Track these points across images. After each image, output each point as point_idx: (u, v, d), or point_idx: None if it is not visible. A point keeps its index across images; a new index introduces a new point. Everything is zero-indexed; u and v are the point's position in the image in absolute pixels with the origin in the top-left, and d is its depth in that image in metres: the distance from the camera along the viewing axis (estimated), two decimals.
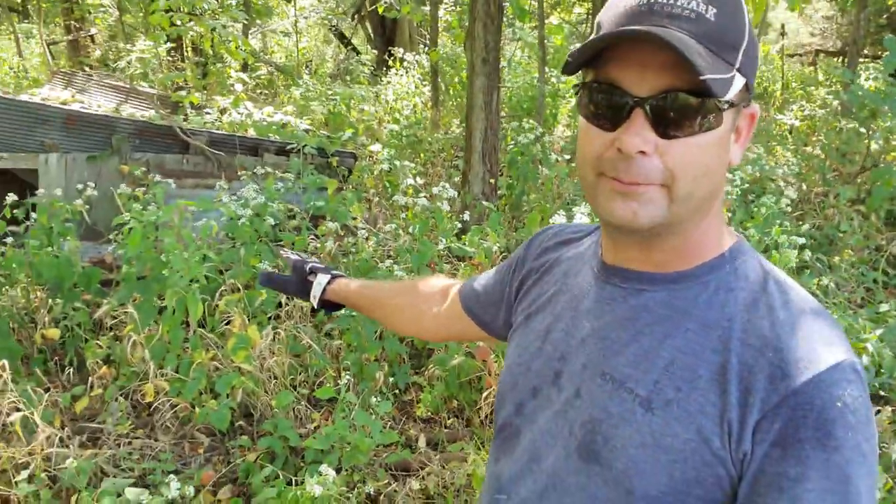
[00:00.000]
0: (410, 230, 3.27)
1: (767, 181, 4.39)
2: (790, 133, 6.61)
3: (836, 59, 12.29)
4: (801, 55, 12.46)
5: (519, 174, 4.33)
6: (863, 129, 4.68)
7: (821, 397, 0.66)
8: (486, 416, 2.77)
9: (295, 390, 2.83)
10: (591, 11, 9.55)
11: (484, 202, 3.93)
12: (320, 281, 1.32)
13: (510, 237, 3.86)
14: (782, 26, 10.24)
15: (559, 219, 2.70)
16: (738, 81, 0.70)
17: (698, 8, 0.68)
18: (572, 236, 0.97)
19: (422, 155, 6.06)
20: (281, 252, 1.60)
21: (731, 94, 0.69)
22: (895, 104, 4.15)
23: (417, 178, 4.39)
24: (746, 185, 4.18)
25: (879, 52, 9.27)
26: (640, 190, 0.70)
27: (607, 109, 0.71)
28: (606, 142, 0.71)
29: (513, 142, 4.55)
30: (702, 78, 0.64)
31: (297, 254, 1.44)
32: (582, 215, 2.60)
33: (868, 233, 4.03)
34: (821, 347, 0.69)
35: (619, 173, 0.70)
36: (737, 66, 0.69)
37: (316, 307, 1.34)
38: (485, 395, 2.76)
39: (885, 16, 8.64)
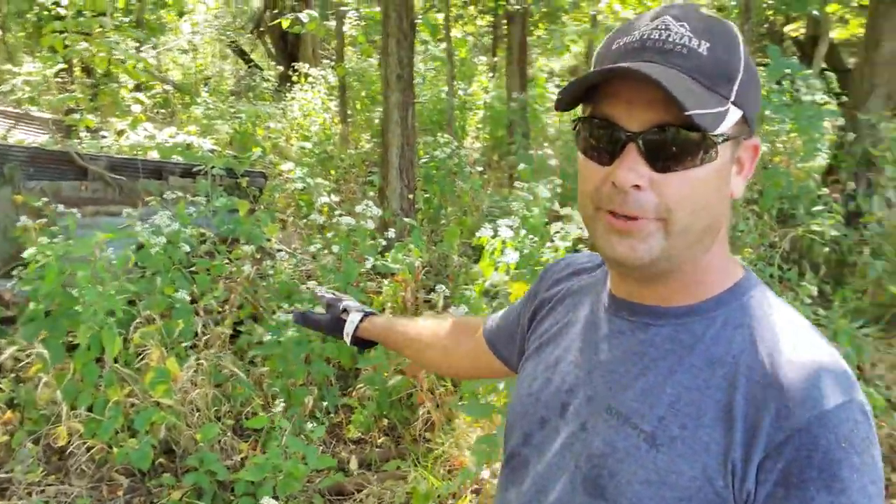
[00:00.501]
0: (333, 249, 3.25)
1: None
2: None
3: None
4: None
5: (436, 188, 4.39)
6: None
7: (826, 437, 0.66)
8: (420, 433, 2.79)
9: (219, 422, 2.76)
10: (492, 24, 9.79)
11: (404, 218, 3.96)
12: (353, 319, 1.35)
13: (431, 251, 3.91)
14: None
15: (486, 232, 2.76)
16: (734, 114, 0.71)
17: (690, 43, 0.70)
18: (585, 265, 0.99)
19: (333, 172, 6.03)
20: (315, 291, 1.62)
21: (725, 127, 0.70)
22: (780, 109, 4.49)
23: (332, 196, 4.38)
24: None
25: (760, 60, 10.01)
26: (637, 226, 0.72)
27: (602, 144, 0.73)
28: (602, 176, 0.73)
29: (427, 156, 4.61)
30: (687, 113, 0.65)
31: (331, 292, 1.47)
32: (508, 229, 2.67)
33: (762, 231, 4.33)
34: (828, 387, 0.68)
35: (614, 206, 0.72)
36: (731, 98, 0.71)
37: (349, 344, 1.37)
38: (421, 412, 2.78)
39: (765, 25, 9.30)
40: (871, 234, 4.26)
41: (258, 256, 3.84)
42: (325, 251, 3.28)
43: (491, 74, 8.41)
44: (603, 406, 0.80)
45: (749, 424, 0.69)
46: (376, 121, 7.88)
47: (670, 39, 0.70)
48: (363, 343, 1.37)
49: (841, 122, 4.84)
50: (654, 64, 0.69)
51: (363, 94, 8.12)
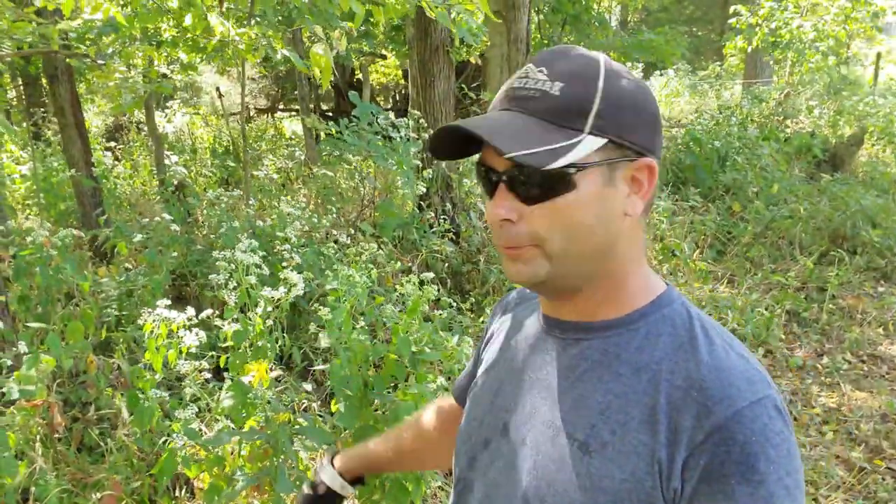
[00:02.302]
0: None
1: None
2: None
3: (266, 115, 13.77)
4: (235, 114, 13.54)
5: (35, 281, 3.63)
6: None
7: (743, 432, 0.72)
8: None
9: None
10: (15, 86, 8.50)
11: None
12: (330, 475, 1.30)
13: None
14: (217, 89, 10.96)
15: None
16: (591, 143, 0.78)
17: (544, 86, 0.78)
18: (527, 294, 1.07)
19: None
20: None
21: (575, 158, 0.77)
22: (376, 146, 4.96)
23: None
24: None
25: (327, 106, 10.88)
26: (519, 252, 0.82)
27: (485, 185, 0.84)
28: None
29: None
30: (507, 156, 0.75)
31: (304, 490, 1.34)
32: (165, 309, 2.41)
33: (391, 257, 4.74)
34: (743, 385, 0.75)
35: (496, 239, 0.84)
36: (587, 129, 0.77)
37: (353, 492, 1.31)
38: None
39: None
40: (474, 248, 5.02)
41: None
42: None
43: (34, 143, 7.29)
44: (541, 420, 0.86)
45: (672, 425, 0.75)
46: None
47: (527, 86, 0.80)
48: (355, 481, 1.33)
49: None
50: (507, 111, 0.80)
51: None
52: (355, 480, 1.32)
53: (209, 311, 2.80)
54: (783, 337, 4.60)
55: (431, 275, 2.60)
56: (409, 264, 4.71)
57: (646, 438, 0.76)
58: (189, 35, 6.77)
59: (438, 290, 4.34)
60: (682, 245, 5.37)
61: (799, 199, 6.51)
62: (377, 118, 5.25)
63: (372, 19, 8.29)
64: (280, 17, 7.40)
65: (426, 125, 5.38)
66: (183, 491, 2.84)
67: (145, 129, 10.70)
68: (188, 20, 3.04)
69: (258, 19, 5.18)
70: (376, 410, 2.51)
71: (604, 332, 0.85)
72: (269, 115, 13.37)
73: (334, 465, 1.31)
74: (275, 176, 7.27)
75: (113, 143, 8.99)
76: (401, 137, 5.11)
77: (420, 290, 2.52)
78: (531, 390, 0.89)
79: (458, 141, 0.83)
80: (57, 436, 2.88)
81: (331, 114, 11.30)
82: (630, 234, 0.84)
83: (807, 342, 4.62)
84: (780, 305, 4.87)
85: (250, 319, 2.33)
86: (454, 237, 5.14)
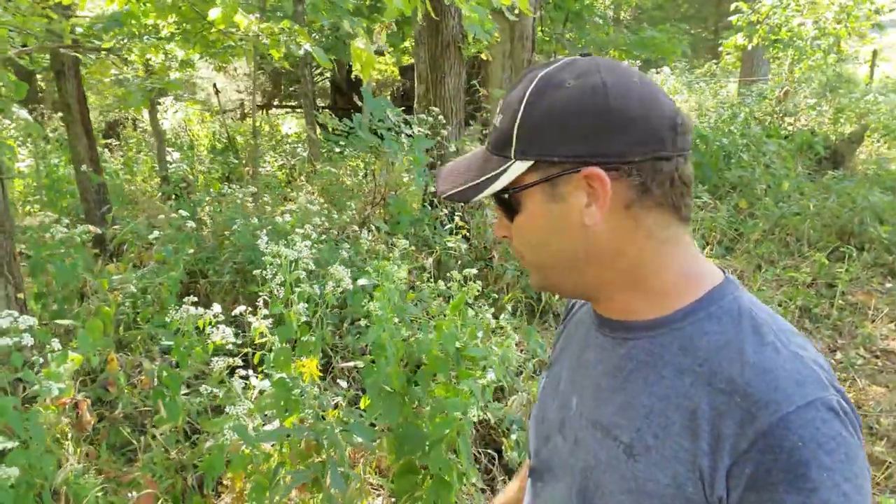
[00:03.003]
0: None
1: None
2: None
3: (262, 112, 13.70)
4: (232, 111, 13.48)
5: (50, 278, 3.60)
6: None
7: (790, 439, 0.68)
8: None
9: None
10: None
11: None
12: None
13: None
14: (214, 85, 10.90)
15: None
16: (519, 167, 0.81)
17: (495, 119, 0.85)
18: None
19: None
20: None
21: (506, 182, 0.81)
22: (392, 143, 4.96)
23: None
24: None
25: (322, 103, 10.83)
26: (524, 263, 0.90)
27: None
28: None
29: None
30: (441, 196, 0.86)
31: None
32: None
33: (410, 255, 4.74)
34: (791, 387, 0.71)
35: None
36: (513, 155, 0.81)
37: None
38: None
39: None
40: (488, 245, 5.02)
41: None
42: None
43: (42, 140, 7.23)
44: (591, 420, 0.87)
45: (714, 432, 0.73)
46: None
47: (492, 121, 0.87)
48: None
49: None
50: (481, 147, 0.91)
51: None
52: None
53: (242, 308, 2.80)
54: None
55: (474, 270, 2.60)
56: (425, 261, 4.71)
57: (687, 444, 0.75)
58: (189, 30, 6.74)
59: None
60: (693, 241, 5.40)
61: (806, 195, 6.56)
62: (389, 115, 5.25)
63: (375, 15, 8.28)
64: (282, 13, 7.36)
65: (444, 121, 5.37)
66: (211, 489, 2.82)
67: (142, 125, 10.64)
68: (214, 14, 3.01)
69: (269, 13, 5.16)
70: (416, 407, 2.52)
71: (649, 332, 0.83)
72: (265, 111, 13.31)
73: None
74: (277, 173, 7.25)
75: (110, 140, 8.91)
76: (414, 134, 5.10)
77: (463, 286, 2.52)
78: (584, 389, 0.91)
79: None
80: (85, 434, 2.86)
81: (328, 110, 11.26)
82: (615, 238, 0.81)
83: (819, 338, 4.66)
84: (793, 301, 4.92)
85: (297, 315, 2.32)
86: (466, 235, 5.14)
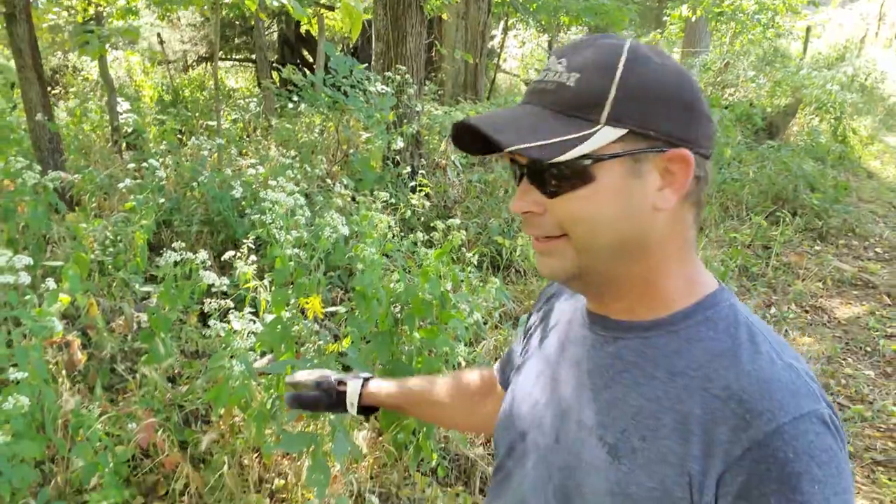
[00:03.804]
0: None
1: None
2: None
3: (205, 64, 13.40)
4: (174, 62, 13.13)
5: (24, 227, 3.60)
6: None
7: (783, 450, 0.68)
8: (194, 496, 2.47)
9: None
10: None
11: None
12: (354, 387, 1.33)
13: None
14: (158, 35, 10.62)
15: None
16: (608, 134, 0.75)
17: (560, 78, 0.78)
18: None
19: None
20: (297, 379, 1.40)
21: (589, 149, 0.75)
22: (356, 101, 5.05)
23: None
24: None
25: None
26: (549, 244, 0.81)
27: (513, 178, 0.85)
28: None
29: None
30: (509, 150, 0.75)
31: (313, 372, 1.41)
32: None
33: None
34: (787, 398, 0.71)
35: (525, 230, 0.84)
36: (603, 120, 0.75)
37: (356, 414, 1.34)
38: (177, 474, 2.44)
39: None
40: (450, 203, 5.21)
41: None
42: None
43: None
44: (574, 419, 0.85)
45: (707, 437, 0.72)
46: None
47: (546, 79, 0.80)
48: (368, 410, 1.36)
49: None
50: (526, 104, 0.81)
51: None
52: (367, 408, 1.35)
53: (231, 253, 2.92)
54: (735, 289, 5.02)
55: (457, 221, 2.79)
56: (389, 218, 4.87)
57: (676, 447, 0.74)
58: None
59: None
60: None
61: (745, 163, 6.97)
62: (352, 71, 5.33)
63: None
64: None
65: (410, 81, 5.48)
66: (199, 424, 2.97)
67: (83, 73, 10.31)
68: None
69: None
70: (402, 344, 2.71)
71: (643, 333, 0.82)
72: (209, 64, 13.02)
73: (365, 386, 1.33)
74: (231, 127, 7.22)
75: (50, 88, 8.65)
76: (380, 92, 5.21)
77: (447, 236, 2.70)
78: (567, 386, 0.88)
79: (478, 135, 0.80)
80: (76, 372, 2.96)
81: (278, 66, 11.14)
82: (666, 229, 0.80)
83: (756, 294, 5.05)
84: (734, 260, 5.30)
85: (294, 258, 2.46)
86: (428, 193, 5.31)
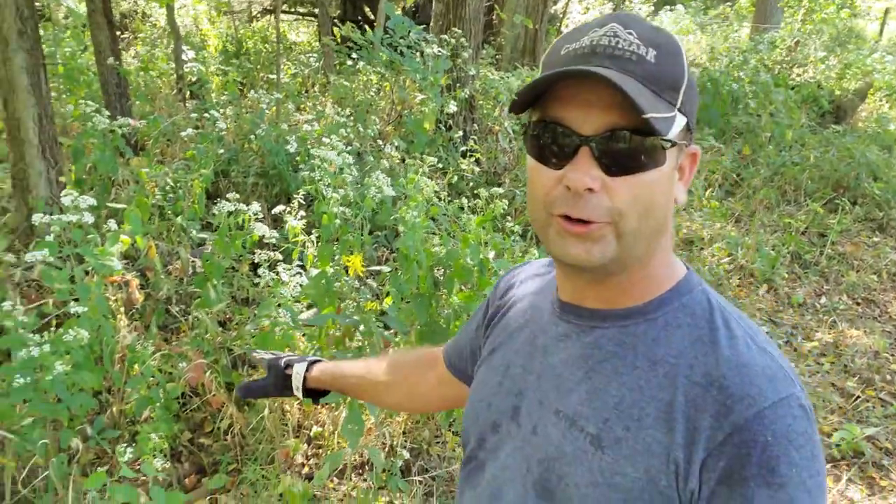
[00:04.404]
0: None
1: None
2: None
3: (269, 15, 13.49)
4: (239, 12, 13.26)
5: (95, 165, 3.77)
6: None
7: (764, 434, 0.69)
8: (238, 433, 2.60)
9: None
10: None
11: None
12: (298, 371, 1.32)
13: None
14: None
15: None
16: (680, 121, 0.75)
17: (639, 50, 0.73)
18: (540, 272, 1.02)
19: None
20: (253, 354, 1.42)
21: (673, 133, 0.74)
22: (412, 62, 5.06)
23: None
24: None
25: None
26: (590, 229, 0.75)
27: (554, 148, 0.75)
28: (554, 180, 0.76)
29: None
30: (645, 116, 0.69)
31: (270, 353, 1.42)
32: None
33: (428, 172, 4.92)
34: (765, 383, 0.72)
35: (568, 210, 0.75)
36: (678, 105, 0.75)
37: (302, 398, 1.34)
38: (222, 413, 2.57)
39: None
40: (500, 169, 5.22)
41: None
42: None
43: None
44: (552, 409, 0.84)
45: (690, 424, 0.73)
46: None
47: (619, 46, 0.73)
48: (316, 394, 1.36)
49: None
50: (607, 69, 0.72)
51: None
52: (313, 392, 1.34)
53: (282, 207, 3.01)
54: (786, 276, 4.93)
55: (501, 190, 2.81)
56: (437, 182, 4.91)
57: (660, 436, 0.74)
58: None
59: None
60: (695, 182, 5.62)
61: (807, 147, 6.77)
62: (409, 32, 5.33)
63: None
64: None
65: (466, 44, 5.46)
66: (245, 368, 3.09)
67: (150, 19, 10.51)
68: None
69: None
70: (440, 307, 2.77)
71: (621, 321, 0.82)
72: (272, 16, 13.11)
73: (309, 370, 1.32)
74: (290, 82, 7.30)
75: (119, 33, 8.85)
76: (437, 54, 5.20)
77: (490, 204, 2.74)
78: (542, 377, 0.87)
79: (534, 92, 0.76)
80: (134, 310, 3.11)
81: (339, 22, 11.16)
82: (671, 220, 0.83)
83: (807, 282, 4.95)
84: (786, 246, 5.19)
85: (340, 216, 2.53)
86: (478, 159, 5.32)
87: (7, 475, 2.21)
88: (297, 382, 1.31)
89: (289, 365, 1.34)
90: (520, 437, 0.86)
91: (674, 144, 0.75)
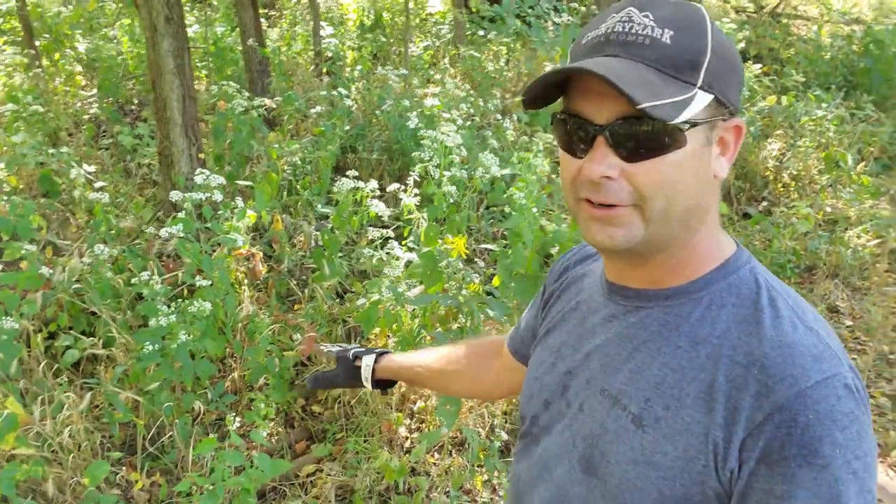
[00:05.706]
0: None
1: None
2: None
3: None
4: None
5: (233, 144, 4.02)
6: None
7: (805, 414, 0.68)
8: (346, 405, 2.72)
9: (105, 457, 2.37)
10: None
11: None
12: (367, 363, 1.37)
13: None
14: None
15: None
16: (702, 99, 0.74)
17: (653, 33, 0.73)
18: (590, 252, 1.03)
19: (60, 134, 5.11)
20: (322, 348, 1.52)
21: (691, 114, 0.73)
22: (540, 32, 4.95)
23: (83, 166, 3.81)
24: None
25: None
26: (614, 213, 0.76)
27: (574, 138, 0.77)
28: (577, 167, 0.78)
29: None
30: (640, 107, 0.69)
31: (337, 345, 1.48)
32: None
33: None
34: (809, 363, 0.71)
35: (590, 195, 0.77)
36: (698, 84, 0.74)
37: (371, 389, 1.39)
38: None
39: None
40: None
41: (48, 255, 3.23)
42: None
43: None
44: (597, 388, 0.85)
45: (730, 404, 0.72)
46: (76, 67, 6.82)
47: (633, 31, 0.74)
48: (384, 384, 1.40)
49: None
50: (614, 57, 0.73)
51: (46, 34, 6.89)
52: (382, 382, 1.39)
53: (395, 185, 3.06)
54: None
55: None
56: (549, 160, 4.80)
57: (700, 416, 0.74)
58: None
59: None
60: (847, 156, 5.13)
61: None
62: (538, 1, 5.21)
63: None
64: None
65: (596, 12, 5.26)
66: (358, 339, 3.20)
67: None
68: None
69: None
70: None
71: (666, 301, 0.82)
72: None
73: (378, 361, 1.37)
74: (422, 54, 7.37)
75: (267, 11, 9.28)
76: (566, 23, 5.06)
77: None
78: (590, 356, 0.89)
79: (549, 87, 0.78)
80: (257, 282, 3.30)
81: None
82: (714, 196, 0.81)
83: None
84: None
85: (448, 196, 2.54)
86: None
87: (138, 433, 2.44)
88: (366, 374, 1.37)
89: (357, 357, 1.39)
90: (569, 414, 0.89)
91: (696, 124, 0.74)
